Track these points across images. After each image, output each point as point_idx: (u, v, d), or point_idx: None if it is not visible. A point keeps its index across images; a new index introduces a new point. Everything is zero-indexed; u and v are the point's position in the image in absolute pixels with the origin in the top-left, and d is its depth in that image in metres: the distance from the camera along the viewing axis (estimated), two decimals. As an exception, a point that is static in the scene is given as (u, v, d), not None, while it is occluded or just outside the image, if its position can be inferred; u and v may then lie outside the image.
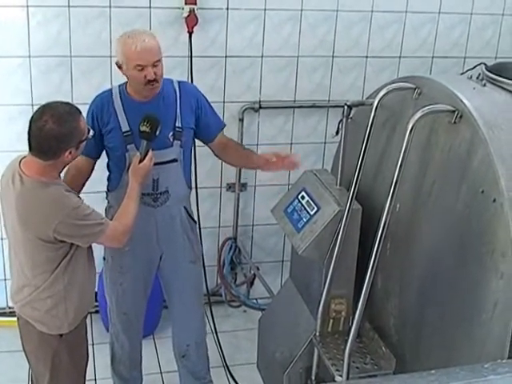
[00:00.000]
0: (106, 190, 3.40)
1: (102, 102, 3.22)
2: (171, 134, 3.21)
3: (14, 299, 2.97)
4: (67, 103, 2.78)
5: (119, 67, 3.14)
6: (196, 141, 3.59)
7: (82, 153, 3.12)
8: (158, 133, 3.05)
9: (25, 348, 3.04)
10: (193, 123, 3.29)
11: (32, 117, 2.70)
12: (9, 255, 2.97)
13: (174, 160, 3.25)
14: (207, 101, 3.39)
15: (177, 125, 3.22)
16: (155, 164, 3.15)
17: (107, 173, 3.37)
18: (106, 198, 3.39)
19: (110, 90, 3.26)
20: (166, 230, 3.37)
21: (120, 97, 3.20)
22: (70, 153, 2.72)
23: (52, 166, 2.73)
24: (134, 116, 3.14)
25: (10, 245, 2.92)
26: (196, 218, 3.66)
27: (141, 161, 3.04)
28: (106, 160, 3.34)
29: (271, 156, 3.37)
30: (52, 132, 2.64)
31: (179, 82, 3.33)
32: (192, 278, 3.54)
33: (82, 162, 3.23)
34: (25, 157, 2.79)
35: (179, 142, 3.23)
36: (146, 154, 3.05)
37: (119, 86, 3.24)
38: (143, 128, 3.03)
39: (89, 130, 2.83)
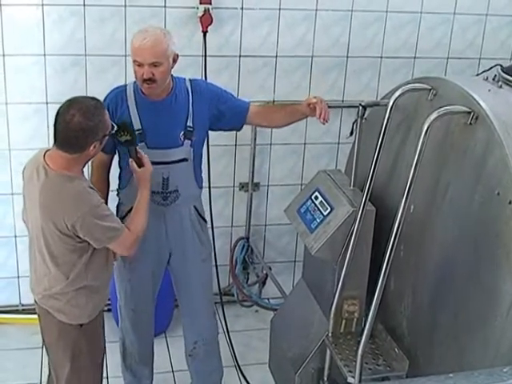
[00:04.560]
0: (116, 188, 3.40)
1: (117, 98, 3.22)
2: (182, 133, 3.21)
3: (35, 290, 3.00)
4: (93, 98, 2.82)
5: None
6: (209, 140, 3.58)
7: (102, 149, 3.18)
8: (136, 134, 3.06)
9: (45, 339, 3.07)
10: (207, 122, 3.29)
11: (58, 111, 2.74)
12: (29, 248, 3.00)
13: (184, 159, 3.25)
14: (222, 89, 3.38)
15: (188, 124, 3.22)
16: (165, 163, 3.17)
17: (117, 171, 3.37)
18: (117, 195, 3.40)
19: (125, 86, 3.26)
20: (176, 228, 3.37)
21: (134, 94, 3.20)
22: (95, 146, 2.77)
23: (76, 159, 2.77)
24: (147, 114, 3.16)
25: (31, 237, 2.95)
26: (208, 218, 3.65)
27: (139, 165, 3.04)
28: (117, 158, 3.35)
29: (310, 99, 3.25)
30: (80, 125, 2.68)
31: (191, 81, 3.32)
32: (202, 276, 3.54)
33: (102, 158, 3.27)
34: (48, 150, 2.83)
35: (190, 141, 3.23)
36: (137, 157, 3.04)
37: (134, 82, 3.23)
38: (124, 138, 3.02)
39: (113, 126, 2.87)
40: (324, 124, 3.20)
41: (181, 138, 3.21)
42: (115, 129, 2.93)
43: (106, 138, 2.84)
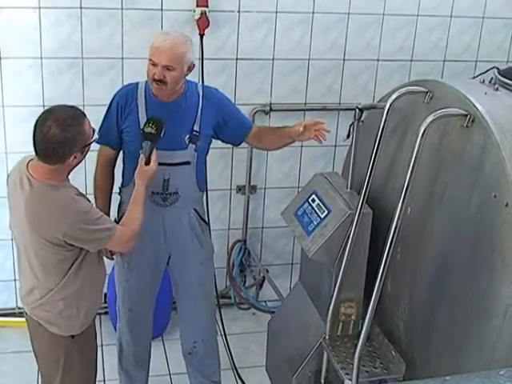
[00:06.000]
0: (119, 186, 3.39)
1: (127, 95, 3.24)
2: (187, 136, 3.22)
3: (25, 301, 2.96)
4: (72, 107, 2.75)
5: None
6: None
7: (106, 143, 3.23)
8: (162, 134, 3.05)
9: (35, 350, 3.03)
10: (212, 131, 3.30)
11: (36, 121, 2.69)
12: (17, 257, 2.97)
13: (187, 162, 3.26)
14: (232, 103, 3.44)
15: (195, 128, 3.23)
16: (167, 164, 3.17)
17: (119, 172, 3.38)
18: (119, 193, 3.39)
19: (137, 84, 3.26)
20: (174, 230, 3.38)
21: (144, 93, 3.22)
22: (75, 157, 2.71)
23: (58, 170, 2.72)
24: (155, 114, 3.14)
25: (19, 247, 2.92)
26: (207, 220, 3.65)
27: (147, 163, 3.04)
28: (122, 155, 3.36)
29: (299, 128, 3.27)
30: (56, 137, 2.62)
31: (203, 87, 3.36)
32: (201, 278, 3.54)
33: (108, 153, 3.31)
34: (31, 159, 2.79)
35: (194, 145, 3.24)
36: (149, 155, 3.05)
37: (146, 81, 3.23)
38: (148, 129, 3.05)
39: (94, 133, 2.81)
40: (320, 142, 3.26)
41: (186, 141, 3.22)
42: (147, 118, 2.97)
43: (88, 147, 2.78)
